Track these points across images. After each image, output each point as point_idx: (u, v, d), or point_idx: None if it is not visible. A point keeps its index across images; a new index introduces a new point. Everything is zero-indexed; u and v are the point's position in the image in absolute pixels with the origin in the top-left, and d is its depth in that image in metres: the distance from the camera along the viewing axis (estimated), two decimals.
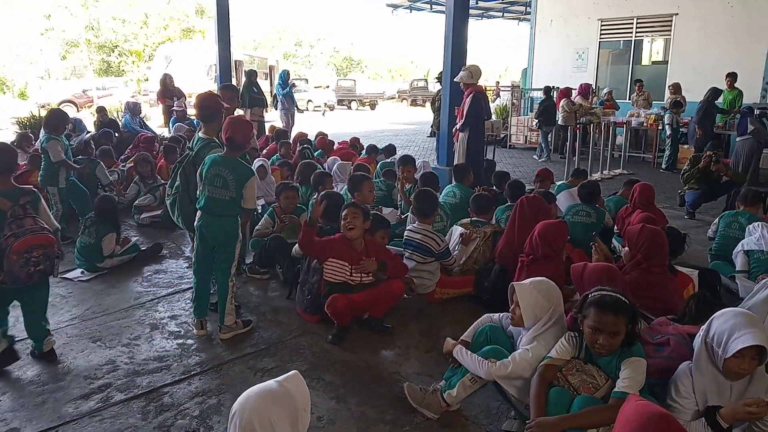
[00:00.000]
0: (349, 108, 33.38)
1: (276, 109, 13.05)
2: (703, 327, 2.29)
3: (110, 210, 5.19)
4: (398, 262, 4.01)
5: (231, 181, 3.58)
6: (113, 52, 33.51)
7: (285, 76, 13.11)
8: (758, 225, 4.42)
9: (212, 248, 3.73)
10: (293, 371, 1.77)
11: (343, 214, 3.79)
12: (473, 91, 7.21)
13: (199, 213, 3.72)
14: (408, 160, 6.13)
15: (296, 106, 12.88)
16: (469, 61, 7.53)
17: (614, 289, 2.45)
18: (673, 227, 3.95)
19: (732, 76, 11.00)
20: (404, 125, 21.92)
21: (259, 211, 5.97)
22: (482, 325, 2.94)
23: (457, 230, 4.59)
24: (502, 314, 2.94)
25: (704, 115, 10.27)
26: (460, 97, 7.31)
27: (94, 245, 4.91)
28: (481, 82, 7.84)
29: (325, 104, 30.26)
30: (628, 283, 3.24)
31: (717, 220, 5.09)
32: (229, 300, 3.72)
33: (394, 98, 40.37)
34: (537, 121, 13.26)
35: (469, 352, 2.72)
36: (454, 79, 7.33)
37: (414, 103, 36.72)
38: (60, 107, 6.83)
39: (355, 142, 9.43)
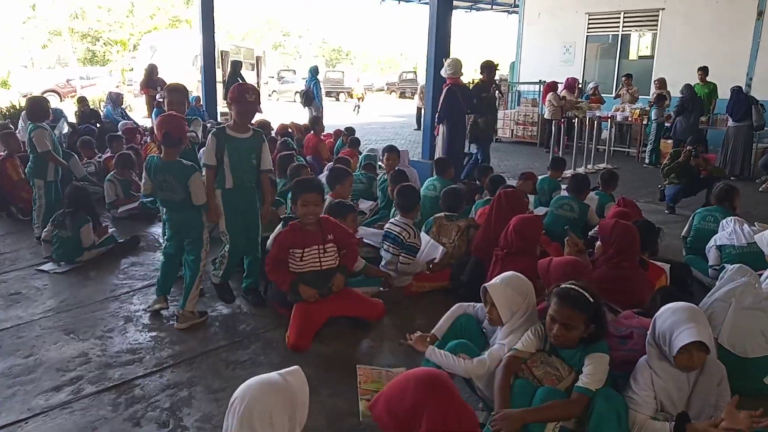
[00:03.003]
0: (338, 100, 33.27)
1: (308, 105, 13.05)
2: (650, 328, 2.33)
3: (83, 200, 5.10)
4: (350, 239, 3.79)
5: (175, 184, 3.69)
6: (98, 41, 33.09)
7: (315, 71, 13.25)
8: (731, 220, 4.48)
9: (181, 235, 3.90)
10: (295, 366, 1.80)
11: (304, 198, 3.52)
12: (448, 84, 7.23)
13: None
14: (392, 149, 6.37)
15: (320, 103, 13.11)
16: (458, 54, 7.61)
17: (585, 285, 2.46)
18: (647, 220, 3.98)
19: (703, 71, 11.07)
20: (392, 118, 21.92)
21: None
22: (456, 316, 2.96)
23: (425, 237, 4.52)
24: (477, 305, 2.96)
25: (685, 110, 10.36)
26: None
27: (72, 238, 4.86)
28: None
29: (359, 98, 24.98)
30: (598, 277, 3.29)
31: (691, 217, 5.13)
32: (196, 285, 3.81)
33: (382, 90, 40.30)
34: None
35: (442, 352, 2.70)
36: (440, 73, 7.35)
37: (402, 95, 36.66)
38: (41, 95, 6.54)
39: (339, 134, 9.39)
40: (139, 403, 2.95)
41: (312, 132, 8.69)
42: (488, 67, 7.91)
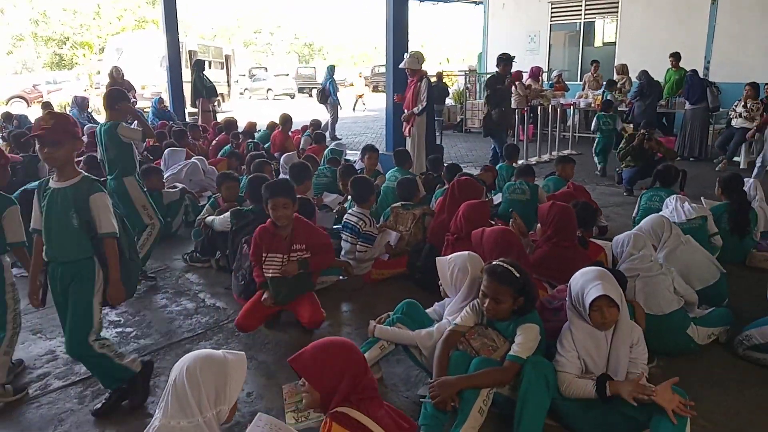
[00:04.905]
0: (310, 96, 33.18)
1: (324, 103, 13.75)
2: (567, 293, 2.55)
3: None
4: (325, 248, 3.79)
5: None
6: (64, 44, 32.58)
7: (332, 70, 13.90)
8: (673, 198, 4.70)
9: None
10: (242, 352, 1.97)
11: (272, 202, 3.55)
12: (423, 76, 7.35)
13: None
14: (371, 149, 6.53)
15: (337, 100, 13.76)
16: (427, 46, 7.76)
17: (512, 261, 2.66)
18: (586, 202, 4.19)
19: (675, 56, 11.36)
20: (363, 112, 21.95)
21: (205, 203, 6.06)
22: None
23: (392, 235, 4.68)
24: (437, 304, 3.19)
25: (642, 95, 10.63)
26: (403, 83, 7.46)
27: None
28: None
29: (359, 95, 22.82)
30: (538, 256, 3.50)
31: (639, 198, 5.39)
32: (2, 351, 3.06)
33: (354, 85, 40.21)
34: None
35: (387, 327, 2.94)
36: (399, 66, 7.46)
37: (375, 89, 36.63)
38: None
39: (305, 129, 9.51)
40: (104, 395, 3.05)
41: (279, 129, 8.81)
42: (504, 59, 7.86)
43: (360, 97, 23.01)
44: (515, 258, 2.82)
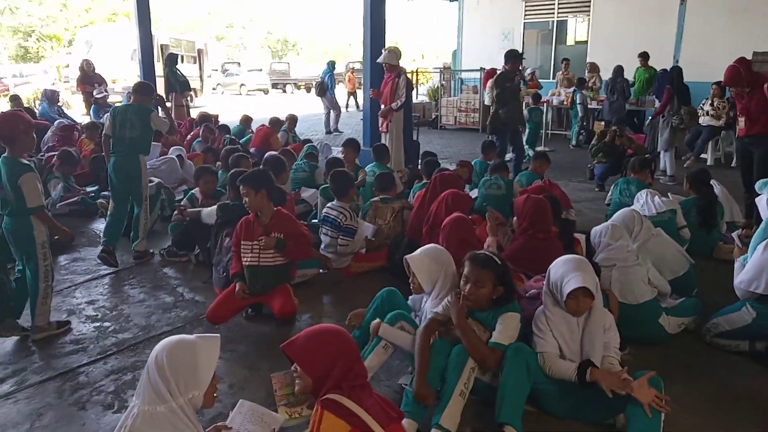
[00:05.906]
0: (284, 91, 33.05)
1: (322, 96, 14.29)
2: (545, 278, 2.63)
3: None
4: (303, 239, 3.80)
5: (6, 181, 3.40)
6: (30, 36, 31.71)
7: (332, 65, 15.03)
8: (644, 192, 4.85)
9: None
10: (216, 334, 1.98)
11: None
12: (401, 72, 7.37)
13: None
14: (349, 142, 6.51)
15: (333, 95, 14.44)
16: (401, 43, 7.77)
17: (494, 252, 2.74)
18: (551, 195, 4.31)
19: (643, 56, 11.62)
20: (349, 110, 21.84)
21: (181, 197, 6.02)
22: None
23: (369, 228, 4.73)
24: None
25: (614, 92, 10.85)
26: (380, 79, 7.48)
27: None
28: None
29: (350, 92, 21.14)
30: (515, 248, 3.59)
31: (612, 187, 5.54)
32: (41, 302, 3.55)
33: None
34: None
35: (393, 328, 2.86)
36: (377, 61, 7.47)
37: None
38: None
39: (282, 124, 9.48)
40: (84, 389, 3.05)
41: (267, 126, 8.80)
42: (513, 56, 7.56)
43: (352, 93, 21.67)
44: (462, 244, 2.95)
